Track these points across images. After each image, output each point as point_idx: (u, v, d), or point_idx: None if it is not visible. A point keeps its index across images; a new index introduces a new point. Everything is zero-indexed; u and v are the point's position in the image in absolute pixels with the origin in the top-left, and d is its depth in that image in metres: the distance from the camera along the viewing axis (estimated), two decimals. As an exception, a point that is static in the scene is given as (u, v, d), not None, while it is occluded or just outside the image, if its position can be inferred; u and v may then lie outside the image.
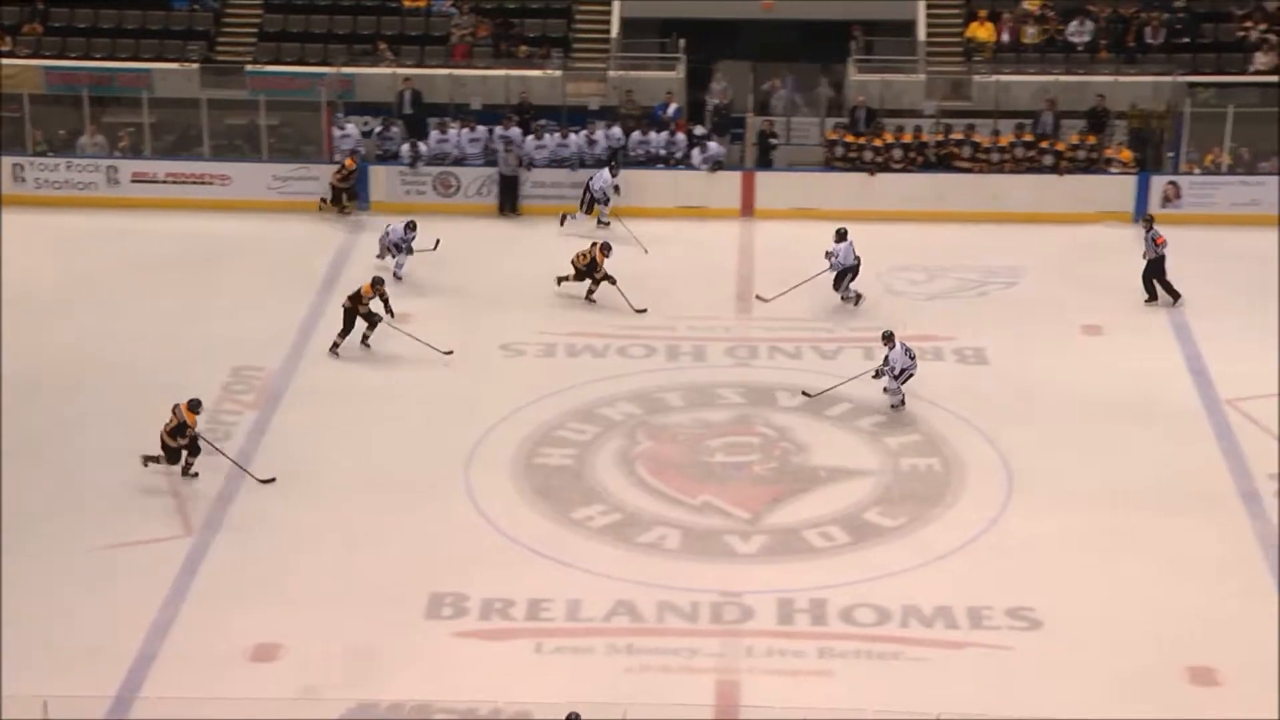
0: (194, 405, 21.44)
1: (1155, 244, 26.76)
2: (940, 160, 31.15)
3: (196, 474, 21.51)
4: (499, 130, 31.37)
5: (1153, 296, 26.92)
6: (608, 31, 34.47)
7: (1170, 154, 31.29)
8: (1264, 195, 30.32)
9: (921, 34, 33.87)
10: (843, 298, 26.51)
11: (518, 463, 22.18)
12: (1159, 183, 30.48)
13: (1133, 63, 33.13)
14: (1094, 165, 30.90)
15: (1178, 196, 30.41)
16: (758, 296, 26.36)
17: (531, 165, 31.00)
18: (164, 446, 21.33)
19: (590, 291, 26.84)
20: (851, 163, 31.18)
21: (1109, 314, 26.43)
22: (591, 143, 31.36)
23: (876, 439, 22.83)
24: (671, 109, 32.12)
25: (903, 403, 23.47)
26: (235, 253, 29.09)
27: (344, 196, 30.63)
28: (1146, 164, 30.99)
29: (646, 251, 28.44)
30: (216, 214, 30.72)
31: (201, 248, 29.26)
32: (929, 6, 34.28)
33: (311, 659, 18.06)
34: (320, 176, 31.00)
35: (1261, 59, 32.85)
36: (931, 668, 18.09)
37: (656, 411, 23.71)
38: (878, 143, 31.10)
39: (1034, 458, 22.17)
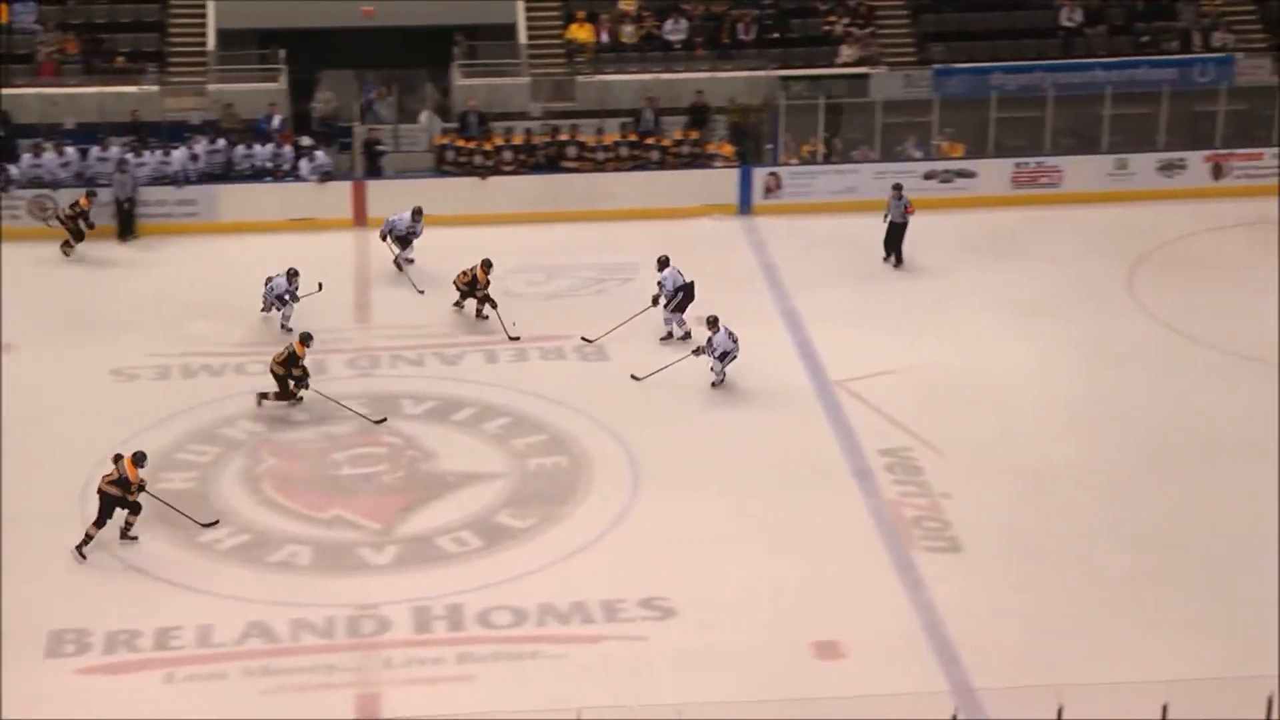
0: (138, 459, 20.16)
1: (905, 211, 28.26)
2: (549, 161, 31.46)
3: (135, 537, 20.31)
4: (96, 151, 30.36)
5: (889, 255, 28.44)
6: (204, 44, 33.73)
7: (769, 146, 32.25)
8: (859, 183, 31.50)
9: (523, 37, 34.13)
10: (672, 325, 25.66)
11: (137, 490, 21.53)
12: (760, 174, 31.40)
13: (728, 59, 34.03)
14: (697, 160, 31.64)
15: (778, 187, 31.38)
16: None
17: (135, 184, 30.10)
18: (105, 500, 20.01)
19: (478, 311, 26.27)
20: (462, 167, 31.24)
21: (722, 305, 26.94)
22: (194, 158, 30.65)
23: (503, 441, 22.92)
24: (276, 121, 31.63)
25: (721, 381, 24.03)
26: None
27: (77, 228, 28.90)
28: (747, 157, 31.87)
29: (421, 292, 27.43)
30: None
31: None
32: (528, 9, 34.55)
33: (-73, 710, 17.22)
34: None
35: (847, 51, 34.12)
36: (570, 663, 18.27)
37: (280, 428, 23.32)
38: (488, 146, 31.24)
39: (658, 449, 22.56)
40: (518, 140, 31.43)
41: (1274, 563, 19.91)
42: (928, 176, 31.56)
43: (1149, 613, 19.02)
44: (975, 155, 32.15)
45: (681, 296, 25.60)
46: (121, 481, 20.05)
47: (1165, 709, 14.70)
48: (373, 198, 30.70)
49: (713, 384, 24.15)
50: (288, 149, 31.03)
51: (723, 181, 31.38)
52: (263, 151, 30.94)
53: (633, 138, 31.59)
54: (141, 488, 20.14)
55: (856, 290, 27.58)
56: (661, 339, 25.65)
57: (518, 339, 25.70)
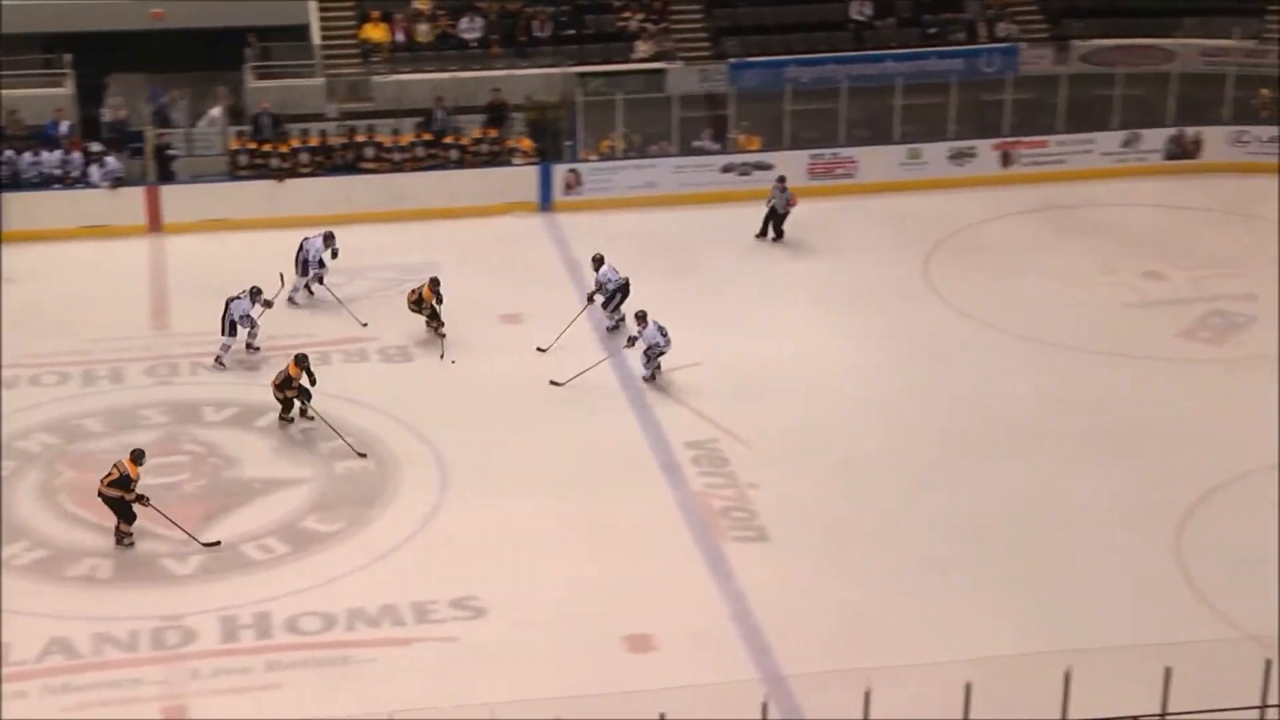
0: (137, 456, 20.10)
1: (788, 203, 29.10)
2: (347, 163, 31.18)
3: (133, 543, 20.11)
4: None
5: (763, 234, 29.45)
6: (-16, 49, 32.87)
7: (568, 143, 32.28)
8: (658, 177, 31.70)
9: (316, 37, 33.76)
10: (614, 321, 25.82)
11: (-71, 508, 20.97)
12: (560, 171, 31.42)
13: (524, 56, 34.03)
14: (497, 158, 31.57)
15: (579, 184, 31.44)
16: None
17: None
18: (111, 503, 19.86)
19: (436, 327, 25.56)
20: (258, 170, 30.83)
21: (525, 302, 27.06)
22: (-23, 168, 29.88)
23: (308, 446, 22.67)
24: (64, 126, 30.90)
25: (653, 376, 24.14)
26: None
27: None
28: (547, 154, 31.86)
29: (365, 324, 26.27)
30: None
31: None
32: (321, 9, 34.19)
33: None
34: None
35: (643, 47, 34.31)
36: (380, 667, 18.17)
37: (76, 439, 22.83)
38: (284, 149, 30.86)
39: (465, 449, 22.49)
40: (314, 142, 31.10)
41: (1075, 542, 20.49)
42: (725, 170, 31.85)
43: (955, 594, 19.43)
44: (772, 148, 32.49)
45: (620, 296, 25.72)
46: (122, 480, 19.94)
47: (969, 687, 15.00)
48: (166, 203, 30.18)
49: (644, 378, 24.27)
50: (77, 155, 30.34)
51: (523, 179, 31.34)
52: (51, 158, 30.21)
53: (427, 137, 31.42)
54: (140, 499, 20.12)
55: (659, 285, 27.64)
56: (609, 328, 25.74)
57: (453, 362, 25.09)
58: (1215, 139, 33.14)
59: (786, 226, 29.68)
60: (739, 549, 20.43)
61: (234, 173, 30.97)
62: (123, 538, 20.26)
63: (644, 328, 24.19)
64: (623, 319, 25.71)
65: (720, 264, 28.81)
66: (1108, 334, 26.06)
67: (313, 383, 23.00)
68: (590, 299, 25.89)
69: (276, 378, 23.05)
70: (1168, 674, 15.22)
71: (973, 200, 31.41)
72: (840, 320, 26.49)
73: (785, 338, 25.81)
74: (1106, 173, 32.78)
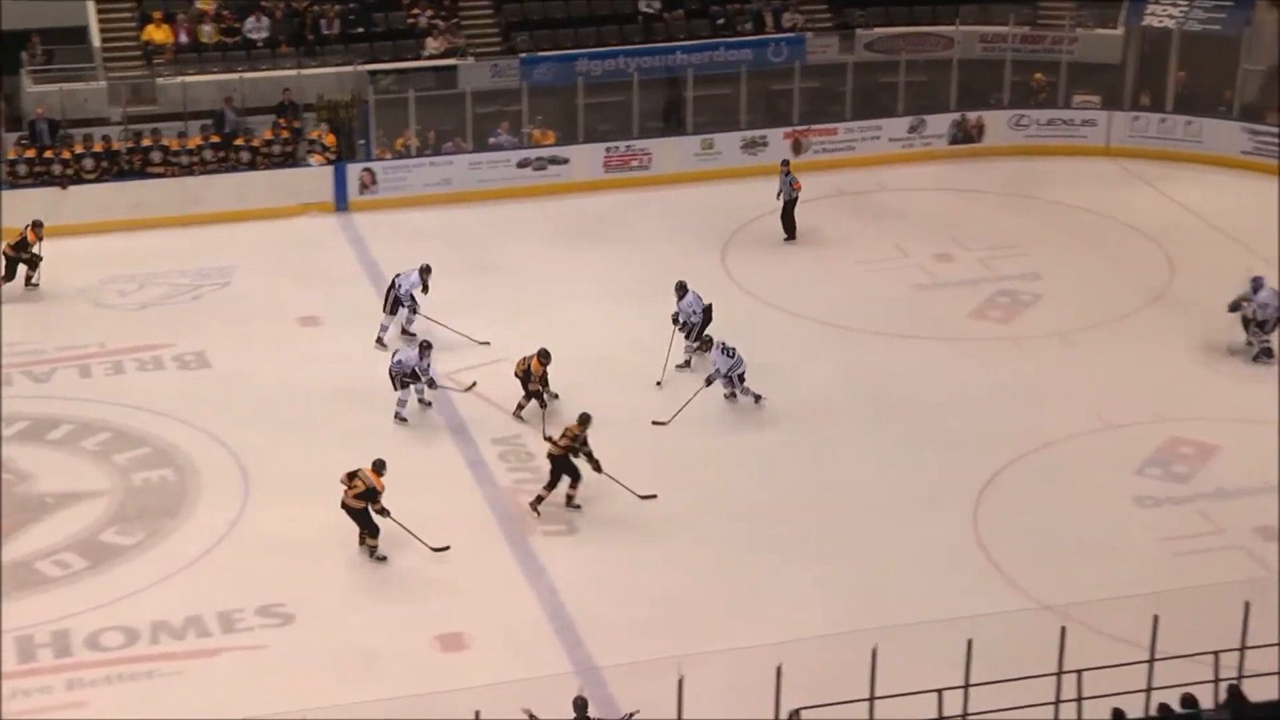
0: (379, 466, 19.71)
1: (792, 188, 29.21)
2: (134, 168, 30.55)
3: (384, 557, 19.74)
4: None
5: (791, 235, 29.27)
6: None
7: (362, 142, 31.99)
8: (453, 174, 31.55)
9: (96, 40, 33.01)
10: (700, 348, 24.69)
11: None
12: (355, 171, 31.12)
13: (314, 55, 33.62)
14: (291, 159, 31.16)
15: (374, 183, 31.17)
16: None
17: None
18: (355, 515, 19.86)
19: (520, 406, 23.39)
20: (39, 177, 30.05)
21: (323, 304, 26.79)
22: None
23: (104, 457, 22.24)
24: None
25: (730, 395, 23.74)
26: None
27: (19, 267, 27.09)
28: (341, 154, 31.51)
29: (487, 343, 25.28)
30: None
31: None
32: (100, 11, 33.38)
33: None
34: None
35: (433, 44, 34.10)
36: (187, 680, 17.96)
37: None
38: (66, 155, 30.15)
39: (267, 454, 22.21)
40: (98, 147, 30.40)
41: (876, 520, 20.86)
42: (521, 165, 31.80)
43: (763, 577, 19.71)
44: (566, 142, 32.53)
45: (703, 320, 24.98)
46: (368, 493, 19.66)
47: (779, 669, 15.18)
48: (-55, 213, 29.36)
49: (725, 395, 23.74)
50: None
51: (317, 179, 30.97)
52: None
53: (215, 139, 30.92)
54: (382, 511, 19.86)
55: (459, 282, 27.49)
56: (678, 366, 24.71)
57: (550, 439, 22.37)
58: (996, 123, 33.91)
59: (798, 217, 29.52)
60: (548, 543, 20.48)
61: (13, 182, 30.12)
62: (372, 551, 19.95)
63: (708, 352, 23.92)
64: (708, 345, 24.63)
65: (519, 259, 28.74)
66: (902, 316, 26.57)
67: (595, 466, 21.19)
68: (675, 320, 24.91)
69: (556, 447, 21.19)
70: (969, 646, 15.56)
71: (767, 189, 31.67)
72: (641, 311, 26.51)
73: (586, 331, 25.86)
74: (895, 158, 33.37)
